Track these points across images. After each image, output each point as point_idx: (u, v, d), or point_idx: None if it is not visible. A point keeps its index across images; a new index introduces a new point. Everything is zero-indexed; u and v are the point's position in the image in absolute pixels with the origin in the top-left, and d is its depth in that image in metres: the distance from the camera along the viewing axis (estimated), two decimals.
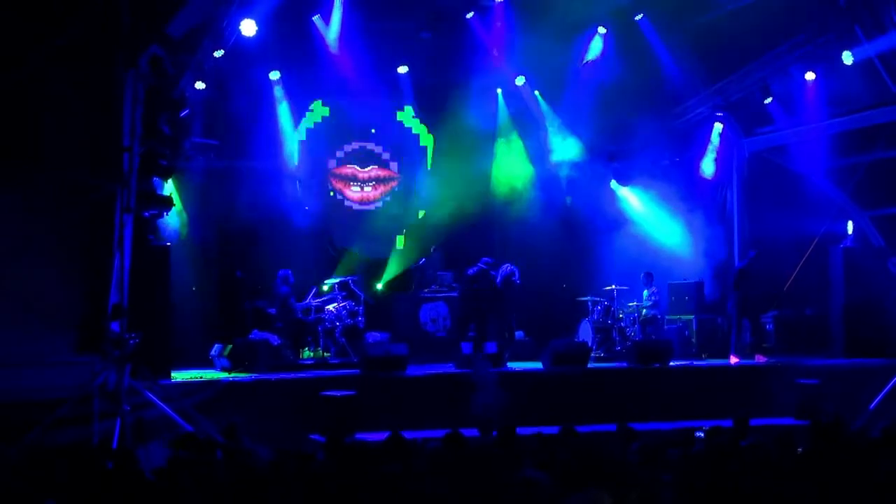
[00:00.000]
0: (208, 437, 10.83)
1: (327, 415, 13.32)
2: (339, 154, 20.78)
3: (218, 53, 16.09)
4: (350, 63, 18.92)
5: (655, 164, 20.86)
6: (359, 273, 19.35)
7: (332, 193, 20.55)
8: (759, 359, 17.38)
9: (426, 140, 21.15)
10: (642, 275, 19.25)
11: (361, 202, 20.83)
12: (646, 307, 18.85)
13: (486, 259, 17.32)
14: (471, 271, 17.11)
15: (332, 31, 18.56)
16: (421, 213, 20.94)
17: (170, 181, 15.47)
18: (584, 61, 19.72)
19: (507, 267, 17.53)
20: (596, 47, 19.65)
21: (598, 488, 6.40)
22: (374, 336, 17.99)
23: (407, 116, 21.06)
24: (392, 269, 20.43)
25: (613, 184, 21.47)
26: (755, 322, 18.27)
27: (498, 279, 17.32)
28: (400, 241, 20.87)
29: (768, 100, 19.26)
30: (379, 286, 20.05)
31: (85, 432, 11.65)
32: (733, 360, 17.46)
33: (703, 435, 10.60)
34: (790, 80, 18.78)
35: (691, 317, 19.32)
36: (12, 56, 12.06)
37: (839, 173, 19.47)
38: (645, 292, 19.09)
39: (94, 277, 12.64)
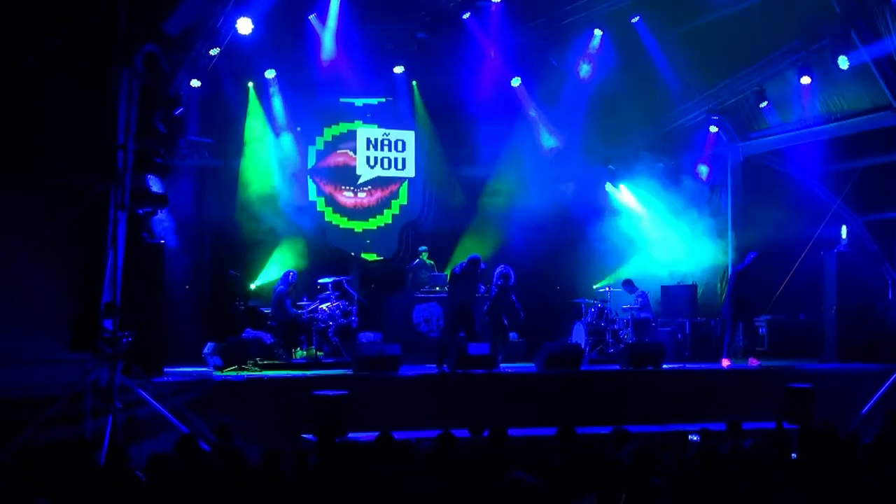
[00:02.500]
0: (200, 436, 10.82)
1: (319, 414, 13.29)
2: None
3: (214, 52, 16.08)
4: (346, 63, 18.91)
5: (650, 167, 20.89)
6: (352, 273, 19.34)
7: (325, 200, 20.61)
8: (752, 362, 17.38)
9: (421, 139, 21.15)
10: (622, 283, 19.28)
11: (355, 208, 20.80)
12: (634, 309, 18.86)
13: (473, 256, 17.15)
14: (458, 269, 16.98)
15: (328, 30, 18.55)
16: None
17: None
18: (578, 76, 19.72)
19: (501, 267, 17.41)
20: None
21: (591, 493, 6.41)
22: (367, 336, 17.98)
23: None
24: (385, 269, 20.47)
25: (609, 186, 21.50)
26: (749, 325, 18.28)
27: (493, 280, 17.23)
28: (394, 242, 20.88)
29: (763, 104, 19.30)
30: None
31: (77, 430, 11.61)
32: (725, 363, 17.48)
33: (697, 438, 10.62)
34: (786, 84, 18.81)
35: (685, 319, 19.36)
36: (8, 54, 12.02)
37: (834, 178, 19.50)
38: (635, 294, 19.11)
39: (88, 275, 12.58)
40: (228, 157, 19.18)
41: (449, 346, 16.11)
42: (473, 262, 16.76)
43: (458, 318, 16.46)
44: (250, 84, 19.07)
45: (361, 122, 20.85)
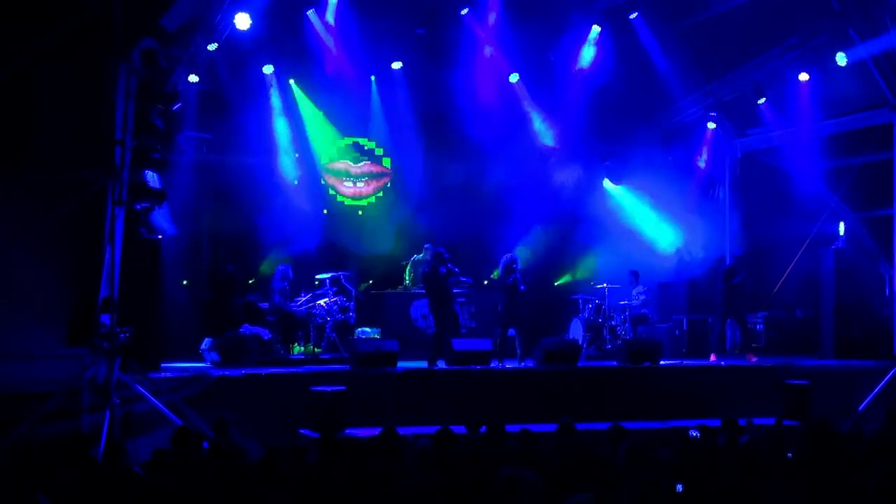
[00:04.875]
0: (198, 432, 10.82)
1: (317, 410, 13.30)
2: (332, 149, 20.81)
3: (212, 47, 16.07)
4: (344, 58, 18.90)
5: (648, 163, 20.89)
6: (350, 269, 19.33)
7: (328, 189, 20.64)
8: (751, 359, 17.38)
9: (419, 136, 21.13)
10: (629, 273, 19.28)
11: (354, 197, 20.89)
12: (633, 305, 18.87)
13: (435, 250, 17.10)
14: (426, 268, 16.90)
15: (326, 25, 18.52)
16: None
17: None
18: (577, 68, 19.73)
19: (507, 256, 17.29)
20: (588, 54, 19.67)
21: (587, 490, 6.41)
22: (364, 332, 17.96)
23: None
24: (384, 265, 20.46)
25: (606, 182, 21.50)
26: (742, 322, 18.29)
27: (500, 270, 17.18)
28: (392, 238, 20.86)
29: (761, 100, 19.32)
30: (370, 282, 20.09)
31: (74, 425, 11.61)
32: (712, 358, 17.51)
33: (698, 434, 10.61)
34: (783, 81, 18.82)
35: (682, 316, 19.37)
36: (5, 50, 12.01)
37: (831, 175, 19.52)
38: (633, 290, 19.12)
39: (85, 271, 12.59)
40: (227, 152, 19.15)
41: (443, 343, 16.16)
42: (436, 255, 16.75)
43: (439, 315, 16.52)
44: (249, 79, 18.99)
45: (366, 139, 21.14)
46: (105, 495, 7.17)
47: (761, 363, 17.20)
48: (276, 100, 19.37)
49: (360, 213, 20.96)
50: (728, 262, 19.31)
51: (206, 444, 9.34)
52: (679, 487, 6.97)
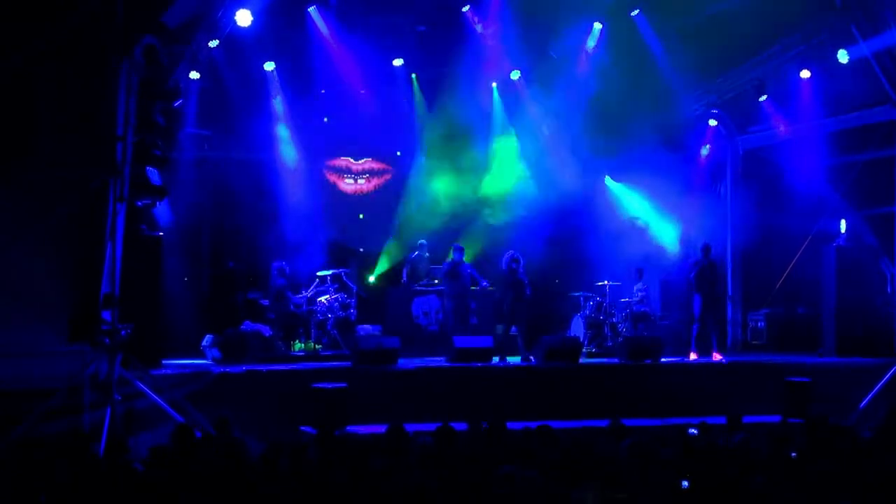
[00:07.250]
0: (199, 429, 10.82)
1: (318, 407, 13.31)
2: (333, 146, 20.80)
3: (213, 44, 16.06)
4: (345, 55, 18.88)
5: (650, 160, 20.84)
6: (351, 265, 19.32)
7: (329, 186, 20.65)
8: (716, 357, 17.26)
9: (421, 133, 21.11)
10: (634, 270, 19.27)
11: (355, 194, 20.87)
12: (634, 302, 18.86)
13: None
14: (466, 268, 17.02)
15: (327, 23, 18.51)
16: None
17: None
18: (579, 65, 19.72)
19: (509, 254, 17.36)
20: (594, 37, 19.68)
21: (585, 484, 6.41)
22: (365, 329, 17.96)
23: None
24: (384, 262, 20.44)
25: (608, 180, 21.47)
26: (716, 320, 18.19)
27: (503, 267, 17.24)
28: (394, 235, 20.86)
29: (763, 98, 19.29)
30: (371, 279, 20.09)
31: (75, 423, 11.61)
32: (714, 356, 17.41)
33: (696, 432, 10.62)
34: (785, 78, 18.80)
35: (684, 313, 19.33)
36: (8, 46, 12.01)
37: (834, 172, 19.50)
38: (635, 287, 19.11)
39: (86, 268, 12.59)
40: (227, 148, 19.15)
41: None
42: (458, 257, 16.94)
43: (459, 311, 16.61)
44: (250, 76, 18.95)
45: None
46: (106, 492, 7.17)
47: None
48: (276, 96, 19.34)
49: (360, 212, 20.94)
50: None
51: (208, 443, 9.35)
52: (685, 484, 6.98)
